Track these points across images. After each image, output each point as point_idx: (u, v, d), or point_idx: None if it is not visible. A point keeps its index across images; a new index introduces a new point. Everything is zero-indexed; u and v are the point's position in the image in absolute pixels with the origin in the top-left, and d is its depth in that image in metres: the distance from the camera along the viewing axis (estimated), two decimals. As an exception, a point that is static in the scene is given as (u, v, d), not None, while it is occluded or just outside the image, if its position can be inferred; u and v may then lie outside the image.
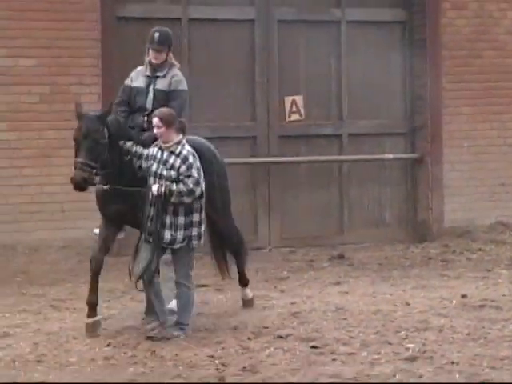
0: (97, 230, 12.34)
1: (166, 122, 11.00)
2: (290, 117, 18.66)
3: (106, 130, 11.37)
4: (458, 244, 18.08)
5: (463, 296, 13.95)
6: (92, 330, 11.56)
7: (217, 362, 10.74)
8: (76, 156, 11.21)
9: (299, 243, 17.89)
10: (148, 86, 11.83)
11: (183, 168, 11.02)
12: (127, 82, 12.04)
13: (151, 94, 11.80)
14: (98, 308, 11.96)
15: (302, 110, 18.68)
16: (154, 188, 10.95)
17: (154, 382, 9.26)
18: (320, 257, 17.12)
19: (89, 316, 11.64)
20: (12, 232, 15.87)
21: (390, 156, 19.17)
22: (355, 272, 16.22)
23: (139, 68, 12.07)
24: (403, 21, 19.15)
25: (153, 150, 11.27)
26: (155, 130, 11.07)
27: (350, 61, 18.89)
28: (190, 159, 11.06)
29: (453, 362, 10.60)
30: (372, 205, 19.04)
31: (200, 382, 9.04)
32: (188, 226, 11.24)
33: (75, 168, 11.08)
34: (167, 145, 11.15)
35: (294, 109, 18.65)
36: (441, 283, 15.14)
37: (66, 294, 13.30)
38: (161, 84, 11.84)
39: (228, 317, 12.93)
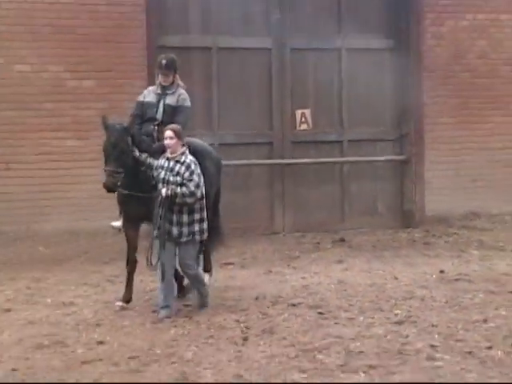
0: (114, 223, 12.34)
1: (177, 135, 11.10)
2: (300, 126, 18.63)
3: (130, 140, 11.41)
4: (437, 229, 18.05)
5: (441, 271, 13.98)
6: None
7: (242, 325, 10.83)
8: (106, 164, 11.29)
9: (308, 229, 17.87)
10: (159, 101, 11.95)
11: (186, 174, 11.07)
12: (140, 98, 12.18)
13: (161, 108, 11.92)
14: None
15: (310, 121, 18.67)
16: (163, 191, 10.97)
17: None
18: (325, 240, 17.11)
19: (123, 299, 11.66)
20: (76, 221, 15.91)
21: (382, 158, 19.16)
22: (353, 252, 16.20)
23: (151, 88, 12.27)
24: (392, 48, 19.09)
25: (161, 161, 11.28)
26: (167, 141, 11.11)
27: (349, 80, 18.84)
28: (192, 166, 11.11)
29: (433, 325, 10.67)
30: (367, 198, 19.01)
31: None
32: (191, 223, 11.24)
33: (106, 175, 11.19)
34: (174, 155, 11.18)
35: (303, 120, 18.63)
36: (423, 261, 15.13)
37: (119, 270, 13.25)
38: (170, 100, 11.95)
39: (250, 289, 12.94)
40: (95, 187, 14.27)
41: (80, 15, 16.62)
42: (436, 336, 10.20)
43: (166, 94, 11.98)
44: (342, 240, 17.13)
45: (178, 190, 11.00)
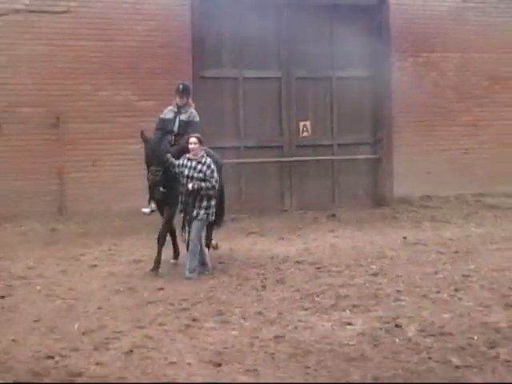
0: (144, 209, 12.77)
1: (200, 141, 11.07)
2: (302, 134, 18.50)
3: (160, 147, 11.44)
4: (401, 208, 17.93)
5: (404, 238, 14.01)
6: (154, 274, 11.18)
7: (261, 276, 10.92)
8: (148, 166, 11.29)
9: (308, 208, 17.77)
10: (175, 117, 11.88)
11: (208, 172, 10.98)
12: (161, 116, 12.06)
13: (177, 123, 11.84)
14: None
15: (310, 130, 18.57)
16: (190, 185, 10.88)
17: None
18: (321, 216, 17.03)
19: (152, 269, 11.28)
20: (142, 202, 15.90)
21: (362, 157, 19.10)
22: (341, 225, 16.14)
23: (169, 107, 12.07)
24: (369, 77, 18.98)
25: (182, 161, 11.11)
26: (192, 146, 11.02)
27: (338, 101, 18.70)
28: (212, 166, 11.04)
29: (398, 276, 10.83)
30: (351, 186, 18.81)
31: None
32: (207, 207, 11.06)
33: (151, 174, 11.19)
34: (196, 157, 11.07)
35: (305, 129, 18.53)
36: (391, 231, 15.09)
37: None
38: (183, 116, 11.87)
39: (267, 251, 12.96)
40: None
41: (144, 55, 16.66)
42: (401, 284, 10.32)
43: (181, 113, 11.90)
44: (333, 216, 17.07)
45: (203, 184, 10.92)
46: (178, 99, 11.96)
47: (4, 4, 15.47)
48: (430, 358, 7.21)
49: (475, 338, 7.80)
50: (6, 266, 11.48)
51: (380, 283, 10.38)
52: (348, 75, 18.84)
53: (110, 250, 13.12)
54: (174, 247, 12.24)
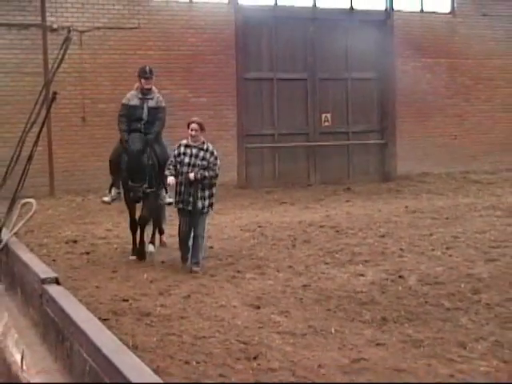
0: (104, 198, 9.70)
1: (201, 127, 8.73)
2: (324, 123, 18.45)
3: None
4: (403, 183, 17.85)
5: (406, 207, 13.92)
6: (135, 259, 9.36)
7: (291, 237, 10.91)
8: (127, 176, 9.14)
9: (330, 182, 17.70)
10: (142, 104, 9.25)
11: (212, 159, 8.65)
12: (125, 102, 9.37)
13: (146, 110, 9.23)
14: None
15: (330, 120, 18.52)
16: (191, 175, 8.56)
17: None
18: (339, 189, 16.98)
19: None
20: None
21: (372, 142, 19.04)
22: (355, 196, 16.08)
23: (132, 92, 9.42)
24: (377, 78, 18.93)
25: (178, 150, 8.77)
26: (193, 132, 8.69)
27: (353, 98, 18.65)
28: (215, 153, 8.76)
29: (401, 237, 10.71)
30: (363, 164, 18.81)
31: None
32: (209, 196, 8.74)
33: (132, 192, 9.09)
34: (197, 143, 8.72)
35: (326, 120, 18.45)
36: (396, 201, 15.02)
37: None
38: (151, 103, 9.28)
39: (296, 217, 12.91)
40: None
41: (197, 61, 16.60)
42: (403, 243, 10.27)
43: (147, 98, 9.31)
44: (349, 189, 16.98)
45: (206, 173, 8.59)
46: (143, 82, 9.30)
47: (88, 23, 15.58)
48: (426, 302, 7.21)
49: (462, 286, 7.77)
50: (90, 229, 11.60)
51: (386, 243, 10.34)
52: (360, 76, 18.73)
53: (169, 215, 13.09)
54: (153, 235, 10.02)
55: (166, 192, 9.46)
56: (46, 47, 15.13)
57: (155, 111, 9.32)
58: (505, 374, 5.28)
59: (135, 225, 9.42)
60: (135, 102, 9.29)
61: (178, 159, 8.73)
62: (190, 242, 8.86)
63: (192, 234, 8.82)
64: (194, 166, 8.65)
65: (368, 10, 18.72)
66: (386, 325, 6.49)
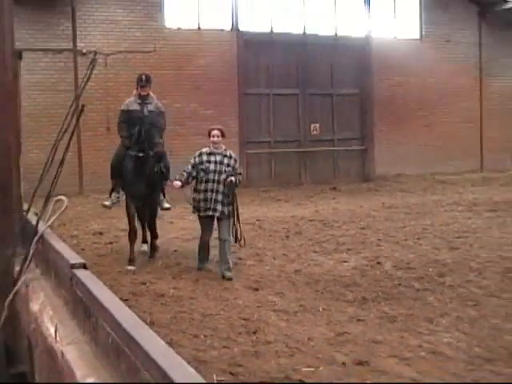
0: (105, 202, 8.83)
1: (222, 133, 7.83)
2: (313, 132, 18.50)
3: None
4: (381, 183, 17.87)
5: (383, 203, 13.93)
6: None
7: (284, 230, 10.87)
8: (129, 184, 8.35)
9: (318, 182, 17.67)
10: (142, 109, 8.21)
11: (236, 165, 7.81)
12: (124, 108, 8.41)
13: (146, 113, 8.18)
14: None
15: (318, 129, 18.53)
16: (232, 179, 7.57)
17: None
18: (326, 188, 16.98)
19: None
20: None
21: (354, 148, 19.04)
22: (340, 194, 16.09)
23: (131, 99, 8.47)
24: (358, 93, 18.95)
25: (200, 158, 7.76)
26: (215, 138, 7.76)
27: (337, 110, 18.66)
28: (237, 158, 7.97)
29: (378, 229, 10.71)
30: (347, 167, 18.79)
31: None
32: (229, 203, 7.64)
33: (135, 201, 8.47)
34: (219, 150, 7.76)
35: (315, 129, 18.49)
36: (374, 198, 15.01)
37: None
38: (151, 107, 8.25)
39: (289, 212, 12.84)
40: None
41: (205, 79, 16.63)
42: (380, 234, 10.28)
43: (147, 104, 8.29)
44: (335, 188, 16.99)
45: (233, 178, 7.63)
46: (140, 89, 8.38)
47: (112, 47, 15.64)
48: (399, 284, 7.23)
49: (430, 270, 7.79)
50: (114, 223, 11.54)
51: (366, 234, 10.34)
52: (344, 92, 18.75)
53: (181, 212, 13.02)
54: (144, 234, 9.23)
55: (164, 197, 8.62)
56: (76, 68, 15.23)
57: (155, 115, 8.26)
58: (464, 344, 5.30)
59: (134, 235, 8.46)
60: (135, 107, 8.34)
61: (202, 167, 7.69)
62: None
63: (218, 241, 7.84)
64: (220, 172, 7.66)
65: (350, 36, 18.78)
66: (366, 303, 6.51)
